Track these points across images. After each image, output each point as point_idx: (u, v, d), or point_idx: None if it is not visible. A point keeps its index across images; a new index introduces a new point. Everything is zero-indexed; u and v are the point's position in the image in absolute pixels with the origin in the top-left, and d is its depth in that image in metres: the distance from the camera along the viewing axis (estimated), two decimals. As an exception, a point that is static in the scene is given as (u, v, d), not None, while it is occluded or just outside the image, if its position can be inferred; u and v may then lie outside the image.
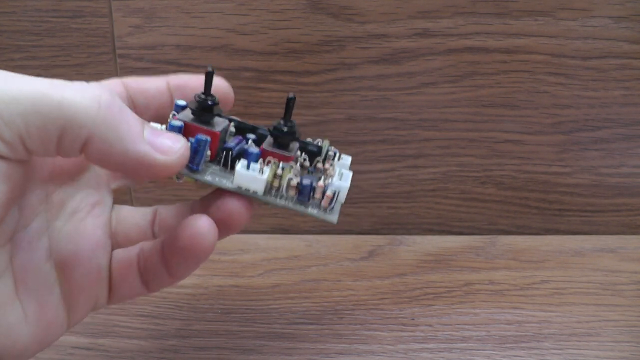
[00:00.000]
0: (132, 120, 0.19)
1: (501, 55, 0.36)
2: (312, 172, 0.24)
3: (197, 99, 0.23)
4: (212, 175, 0.23)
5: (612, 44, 0.36)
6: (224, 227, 0.22)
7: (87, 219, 0.24)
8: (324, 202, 0.22)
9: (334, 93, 0.37)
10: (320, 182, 0.22)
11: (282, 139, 0.23)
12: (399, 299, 0.32)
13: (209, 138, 0.22)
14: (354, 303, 0.32)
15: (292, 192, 0.22)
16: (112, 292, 0.24)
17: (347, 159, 0.26)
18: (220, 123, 0.23)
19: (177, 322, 0.30)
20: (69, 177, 0.23)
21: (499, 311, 0.31)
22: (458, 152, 0.38)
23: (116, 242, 0.25)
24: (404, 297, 0.32)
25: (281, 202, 0.23)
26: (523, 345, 0.28)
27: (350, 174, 0.24)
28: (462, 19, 0.35)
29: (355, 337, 0.29)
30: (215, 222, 0.22)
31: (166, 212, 0.25)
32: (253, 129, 0.25)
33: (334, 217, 0.23)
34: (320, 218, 0.23)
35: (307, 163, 0.24)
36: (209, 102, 0.23)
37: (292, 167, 0.23)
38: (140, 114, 0.22)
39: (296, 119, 0.24)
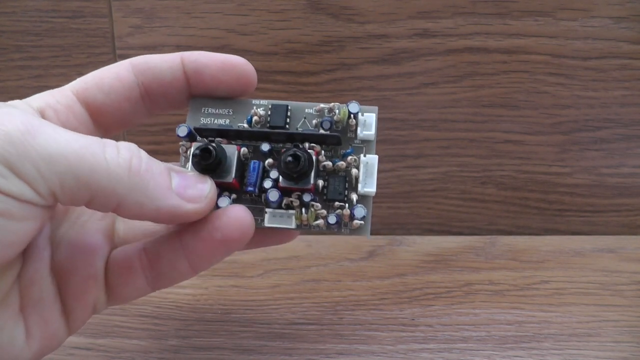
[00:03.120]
0: (159, 177, 0.20)
1: (501, 56, 0.36)
2: (335, 168, 0.24)
3: (197, 158, 0.22)
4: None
5: (612, 44, 0.36)
6: None
7: (89, 223, 0.23)
8: (354, 225, 0.23)
9: (334, 93, 0.37)
10: (346, 211, 0.23)
11: (297, 178, 0.23)
12: (399, 299, 0.32)
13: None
14: (354, 303, 0.32)
15: (322, 226, 0.23)
16: (112, 294, 0.23)
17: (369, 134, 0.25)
18: (230, 156, 0.23)
19: (177, 322, 0.30)
20: None
21: (499, 311, 0.31)
22: (458, 152, 0.38)
23: (120, 242, 0.24)
24: (404, 297, 0.32)
25: (315, 229, 0.23)
26: (523, 345, 0.28)
27: (375, 173, 0.24)
28: (462, 19, 0.35)
29: (355, 337, 0.29)
30: None
31: None
32: (265, 136, 0.24)
33: (365, 233, 0.24)
34: (354, 236, 0.24)
35: (329, 164, 0.24)
36: (210, 162, 0.22)
37: (313, 209, 0.23)
38: (155, 104, 0.24)
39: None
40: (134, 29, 0.36)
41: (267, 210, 0.23)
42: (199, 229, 0.22)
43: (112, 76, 0.23)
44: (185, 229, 0.22)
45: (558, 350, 0.28)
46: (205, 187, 0.21)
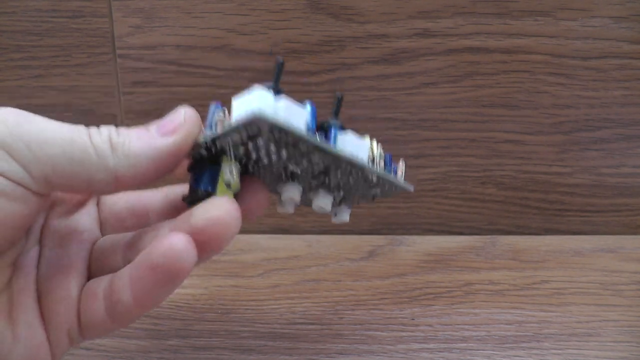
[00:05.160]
0: (137, 134, 0.21)
1: (501, 55, 0.36)
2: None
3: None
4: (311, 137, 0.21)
5: (612, 44, 0.36)
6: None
7: (71, 246, 0.24)
8: (400, 172, 0.24)
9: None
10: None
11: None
12: (399, 299, 0.32)
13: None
14: (354, 303, 0.32)
15: (382, 163, 0.23)
16: (82, 327, 0.22)
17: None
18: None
19: (177, 322, 0.30)
20: (68, 207, 0.25)
21: (499, 311, 0.31)
22: (458, 152, 0.38)
23: (93, 270, 0.24)
24: (404, 297, 0.32)
25: (376, 170, 0.23)
26: (523, 345, 0.28)
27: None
28: (462, 19, 0.35)
29: (355, 337, 0.29)
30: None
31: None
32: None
33: (410, 186, 0.24)
34: (403, 187, 0.24)
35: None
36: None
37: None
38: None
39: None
40: (134, 29, 0.36)
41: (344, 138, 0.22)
42: (141, 258, 0.21)
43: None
44: (137, 259, 0.21)
45: (558, 350, 0.28)
46: (179, 116, 0.22)
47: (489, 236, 0.39)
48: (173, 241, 0.20)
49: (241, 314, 0.31)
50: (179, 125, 0.22)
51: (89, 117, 0.38)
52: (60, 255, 0.23)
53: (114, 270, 0.23)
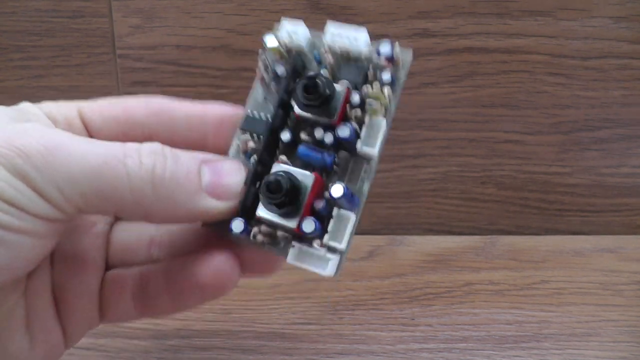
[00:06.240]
0: (186, 180, 0.19)
1: (501, 55, 0.36)
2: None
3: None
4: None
5: (612, 44, 0.36)
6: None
7: (85, 240, 0.23)
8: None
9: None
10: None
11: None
12: (399, 299, 0.32)
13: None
14: (354, 303, 0.32)
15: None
16: (104, 313, 0.23)
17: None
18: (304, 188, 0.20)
19: (177, 322, 0.30)
20: None
21: (499, 311, 0.31)
22: (458, 152, 0.38)
23: (112, 261, 0.24)
24: (404, 297, 0.32)
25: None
26: (523, 345, 0.28)
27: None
28: (462, 19, 0.35)
29: (355, 337, 0.29)
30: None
31: (166, 230, 0.24)
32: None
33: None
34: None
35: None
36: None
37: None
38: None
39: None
40: (134, 29, 0.36)
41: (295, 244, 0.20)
42: (181, 268, 0.21)
43: (119, 106, 0.23)
44: (172, 265, 0.22)
45: (558, 350, 0.28)
46: (238, 180, 0.20)
47: (489, 236, 0.39)
48: (220, 261, 0.21)
49: (241, 314, 0.31)
50: (233, 195, 0.20)
51: (89, 117, 0.38)
52: (75, 248, 0.23)
53: (136, 262, 0.23)
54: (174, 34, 0.36)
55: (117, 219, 0.24)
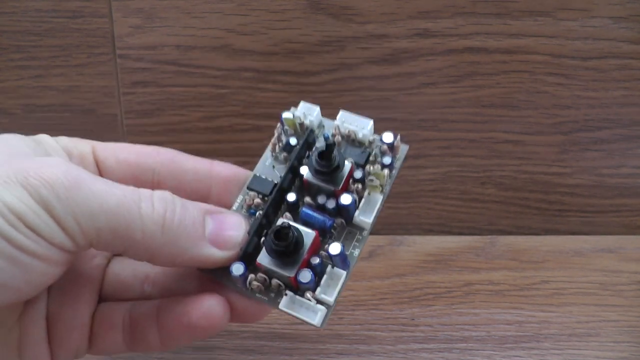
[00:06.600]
0: (192, 228, 0.21)
1: (501, 56, 0.36)
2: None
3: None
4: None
5: (612, 44, 0.36)
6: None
7: (84, 271, 0.24)
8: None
9: (335, 93, 0.37)
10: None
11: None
12: (399, 299, 0.32)
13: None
14: (354, 303, 0.32)
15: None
16: (91, 344, 0.24)
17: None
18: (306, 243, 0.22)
19: (177, 322, 0.30)
20: None
21: (499, 311, 0.31)
22: (458, 152, 0.38)
23: (105, 294, 0.24)
24: (404, 298, 0.32)
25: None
26: (523, 345, 0.28)
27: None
28: (462, 19, 0.35)
29: (355, 337, 0.29)
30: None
31: (162, 269, 0.25)
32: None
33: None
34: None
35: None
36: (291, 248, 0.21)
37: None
38: None
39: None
40: (134, 29, 0.36)
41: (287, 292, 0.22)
42: (173, 307, 0.22)
43: (132, 151, 0.24)
44: (164, 303, 0.23)
45: (558, 350, 0.28)
46: (239, 233, 0.22)
47: (488, 236, 0.39)
48: (211, 304, 0.22)
49: (241, 314, 0.31)
50: (233, 246, 0.22)
51: (89, 117, 0.38)
52: (73, 279, 0.23)
53: (129, 297, 0.24)
54: (174, 34, 0.36)
55: (116, 254, 0.25)
